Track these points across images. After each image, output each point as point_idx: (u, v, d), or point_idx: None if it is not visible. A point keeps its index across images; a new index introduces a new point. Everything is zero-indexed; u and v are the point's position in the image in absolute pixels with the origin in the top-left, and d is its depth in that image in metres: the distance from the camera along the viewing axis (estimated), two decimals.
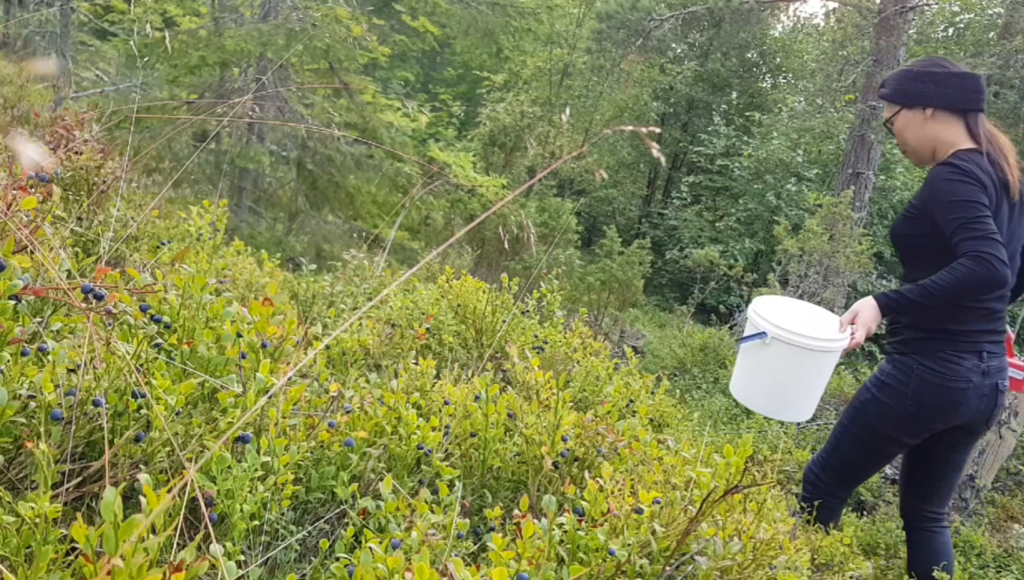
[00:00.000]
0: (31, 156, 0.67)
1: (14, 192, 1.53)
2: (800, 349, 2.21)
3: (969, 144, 2.26)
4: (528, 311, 2.93)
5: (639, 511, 1.48)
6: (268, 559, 1.37)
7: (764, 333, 2.24)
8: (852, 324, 2.23)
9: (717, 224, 15.96)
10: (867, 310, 2.23)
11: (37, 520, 1.02)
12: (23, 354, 1.30)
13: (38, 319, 1.45)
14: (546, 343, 2.76)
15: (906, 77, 2.35)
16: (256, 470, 1.32)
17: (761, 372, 2.32)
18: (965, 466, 2.61)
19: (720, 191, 16.91)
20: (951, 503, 2.73)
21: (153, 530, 0.95)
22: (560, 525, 1.42)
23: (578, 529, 1.43)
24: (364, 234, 9.08)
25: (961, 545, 4.14)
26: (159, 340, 1.50)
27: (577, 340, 2.69)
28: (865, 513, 4.51)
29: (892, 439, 2.37)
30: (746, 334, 2.31)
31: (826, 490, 2.51)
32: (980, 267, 2.03)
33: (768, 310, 2.30)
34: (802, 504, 2.52)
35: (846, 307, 12.12)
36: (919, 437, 2.37)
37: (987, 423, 2.37)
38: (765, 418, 5.81)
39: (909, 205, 2.34)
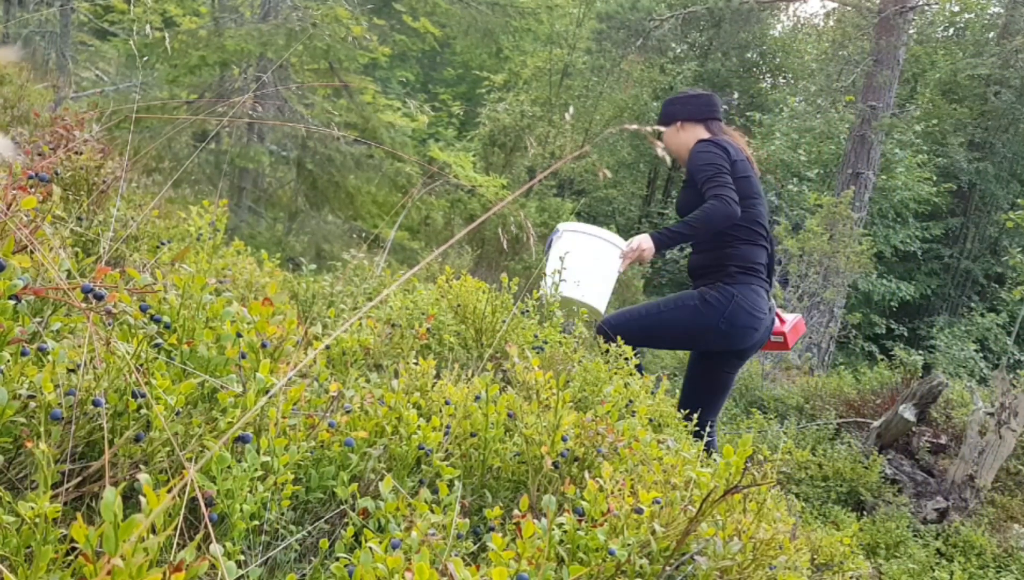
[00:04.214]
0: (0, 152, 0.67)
1: (14, 192, 1.53)
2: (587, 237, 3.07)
3: (708, 136, 3.15)
4: (528, 311, 2.93)
5: (639, 511, 1.48)
6: (268, 559, 1.37)
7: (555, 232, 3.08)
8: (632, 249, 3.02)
9: None
10: (643, 237, 3.01)
11: (37, 520, 1.02)
12: (23, 354, 1.30)
13: (38, 319, 1.45)
14: (546, 343, 2.76)
15: (665, 105, 3.29)
16: (256, 470, 1.32)
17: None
18: (732, 388, 3.41)
19: None
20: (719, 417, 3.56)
21: (153, 530, 0.95)
22: (560, 525, 1.42)
23: (578, 529, 1.43)
24: (364, 234, 9.07)
25: (961, 545, 4.14)
26: (159, 340, 1.50)
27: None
28: (865, 513, 4.51)
29: (693, 340, 3.13)
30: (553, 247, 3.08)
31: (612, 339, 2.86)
32: (721, 203, 2.85)
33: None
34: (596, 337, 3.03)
35: (846, 307, 12.09)
36: (713, 347, 3.12)
37: (756, 350, 3.19)
38: (764, 418, 5.82)
39: (684, 181, 3.18)
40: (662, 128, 3.22)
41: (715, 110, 3.22)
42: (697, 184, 2.98)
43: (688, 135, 3.19)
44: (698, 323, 3.02)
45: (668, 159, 3.15)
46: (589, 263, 3.03)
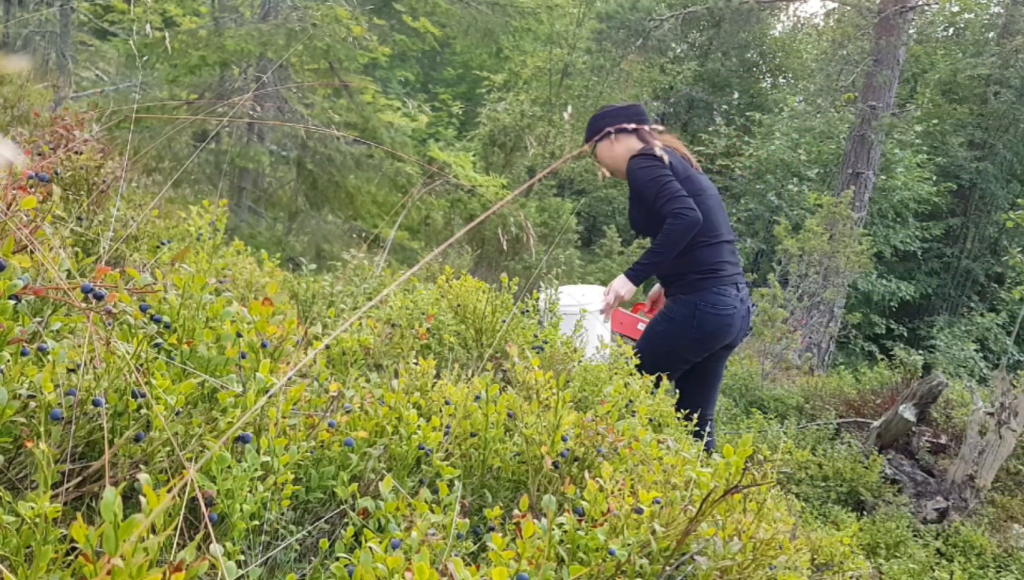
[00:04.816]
0: (2, 154, 0.67)
1: (14, 192, 1.53)
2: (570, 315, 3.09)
3: (642, 146, 3.18)
4: (528, 311, 2.93)
5: (639, 511, 1.48)
6: (268, 559, 1.37)
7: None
8: (607, 294, 3.12)
9: None
10: (618, 281, 3.12)
11: (37, 520, 1.02)
12: (23, 354, 1.30)
13: (38, 319, 1.45)
14: (546, 343, 2.76)
15: (591, 122, 3.31)
16: (256, 470, 1.32)
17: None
18: (722, 376, 3.50)
19: (721, 191, 16.82)
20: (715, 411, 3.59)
21: (153, 530, 0.95)
22: (560, 525, 1.42)
23: (578, 529, 1.43)
24: (364, 234, 9.07)
25: (961, 545, 4.13)
26: (159, 340, 1.50)
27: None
28: (865, 513, 4.51)
29: (681, 357, 3.15)
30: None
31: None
32: (679, 219, 2.91)
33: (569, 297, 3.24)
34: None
35: (846, 307, 12.09)
36: (701, 355, 3.17)
37: (742, 338, 3.25)
38: (764, 418, 5.82)
39: (630, 197, 3.21)
40: (593, 144, 3.29)
41: (644, 118, 3.27)
42: (647, 202, 3.04)
43: (622, 147, 3.23)
44: (676, 342, 3.11)
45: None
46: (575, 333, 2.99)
